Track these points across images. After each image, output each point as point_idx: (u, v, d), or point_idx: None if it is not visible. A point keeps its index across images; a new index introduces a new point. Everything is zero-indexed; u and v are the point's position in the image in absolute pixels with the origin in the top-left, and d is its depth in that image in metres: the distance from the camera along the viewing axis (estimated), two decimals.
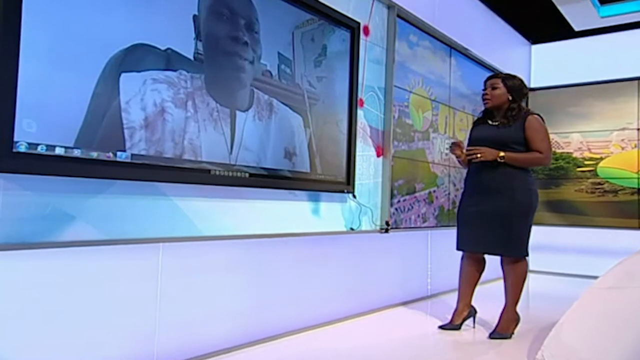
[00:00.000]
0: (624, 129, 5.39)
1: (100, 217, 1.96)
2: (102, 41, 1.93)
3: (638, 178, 5.26)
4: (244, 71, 2.50)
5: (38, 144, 1.75)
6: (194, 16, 2.28)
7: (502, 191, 2.82)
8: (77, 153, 1.85)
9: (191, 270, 2.32)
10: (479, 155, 2.77)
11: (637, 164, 5.28)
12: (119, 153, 1.97)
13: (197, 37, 2.28)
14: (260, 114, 2.59)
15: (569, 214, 5.58)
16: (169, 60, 2.16)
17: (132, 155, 2.01)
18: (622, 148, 5.38)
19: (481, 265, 3.03)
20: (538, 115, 2.87)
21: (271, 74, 2.65)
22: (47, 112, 1.77)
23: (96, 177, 1.92)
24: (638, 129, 5.31)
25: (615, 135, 5.43)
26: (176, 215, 2.24)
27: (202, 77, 2.30)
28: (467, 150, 2.87)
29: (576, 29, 5.35)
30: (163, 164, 2.12)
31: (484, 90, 2.94)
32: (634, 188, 5.28)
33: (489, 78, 2.96)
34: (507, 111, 2.88)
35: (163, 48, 2.13)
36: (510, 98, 2.87)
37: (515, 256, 2.85)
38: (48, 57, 1.77)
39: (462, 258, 3.05)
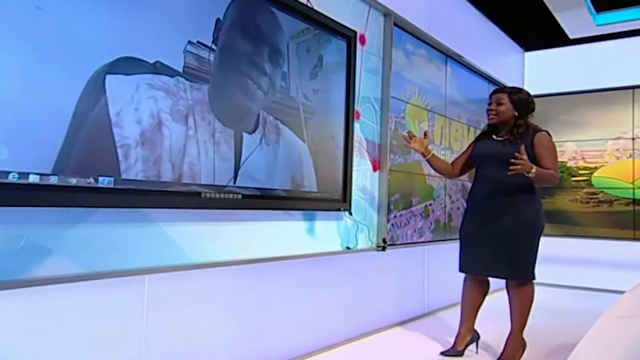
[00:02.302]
0: (618, 138, 5.31)
1: (80, 248, 1.78)
2: (84, 56, 1.75)
3: (633, 188, 5.19)
4: (254, 99, 2.40)
5: (9, 172, 1.57)
6: (217, 19, 2.22)
7: (508, 210, 2.68)
8: (53, 180, 1.66)
9: (180, 301, 2.15)
10: (519, 167, 2.45)
11: (632, 174, 5.21)
12: (100, 179, 1.79)
13: (214, 41, 2.20)
14: (267, 137, 2.46)
15: (563, 224, 5.49)
16: (158, 69, 1.99)
17: (115, 180, 1.83)
18: (617, 158, 5.31)
19: (485, 288, 2.89)
20: (546, 132, 2.73)
21: None
22: (21, 136, 1.59)
23: (76, 206, 1.74)
24: (633, 139, 5.23)
25: (610, 145, 5.35)
26: (163, 243, 2.06)
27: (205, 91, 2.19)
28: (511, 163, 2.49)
29: (571, 36, 5.27)
30: (149, 188, 1.94)
31: (489, 104, 2.80)
32: (629, 198, 5.20)
33: (494, 92, 2.81)
34: (514, 127, 2.74)
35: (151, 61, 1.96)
36: (516, 114, 2.74)
37: (521, 280, 2.71)
38: (22, 75, 1.59)
39: (464, 280, 2.91)
